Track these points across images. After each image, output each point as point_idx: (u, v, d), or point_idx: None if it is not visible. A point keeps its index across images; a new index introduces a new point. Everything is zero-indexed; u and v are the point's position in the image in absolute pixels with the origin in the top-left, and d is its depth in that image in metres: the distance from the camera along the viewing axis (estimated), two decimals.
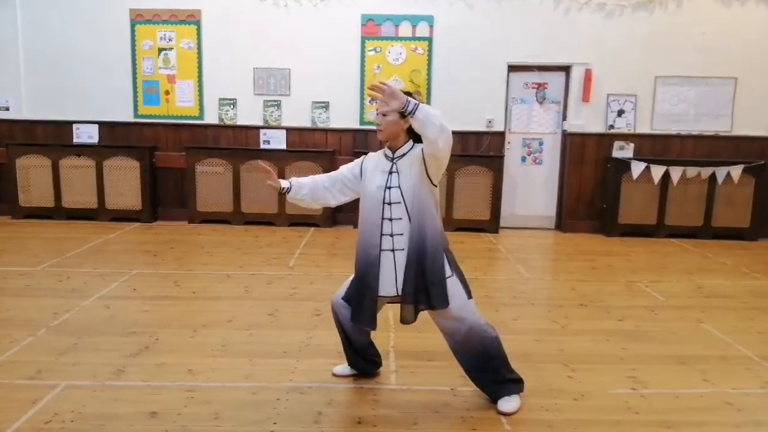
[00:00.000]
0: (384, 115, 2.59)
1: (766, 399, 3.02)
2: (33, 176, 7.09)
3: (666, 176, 6.85)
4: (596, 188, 7.24)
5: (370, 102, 7.09)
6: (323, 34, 7.07)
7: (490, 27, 7.02)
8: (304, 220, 7.11)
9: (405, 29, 7.06)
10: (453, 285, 2.65)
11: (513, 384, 2.84)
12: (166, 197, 7.39)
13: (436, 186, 2.67)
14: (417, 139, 2.67)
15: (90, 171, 7.08)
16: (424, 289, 2.62)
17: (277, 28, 7.08)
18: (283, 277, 4.95)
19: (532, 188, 7.46)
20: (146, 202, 7.14)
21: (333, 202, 2.85)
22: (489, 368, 2.78)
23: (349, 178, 2.79)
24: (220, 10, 7.06)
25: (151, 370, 3.14)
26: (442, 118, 2.42)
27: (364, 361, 3.08)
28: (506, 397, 2.80)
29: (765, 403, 2.98)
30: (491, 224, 7.08)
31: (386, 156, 2.72)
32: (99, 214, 7.13)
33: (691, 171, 6.83)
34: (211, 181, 7.11)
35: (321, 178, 2.83)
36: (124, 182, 7.11)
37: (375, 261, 2.65)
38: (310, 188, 2.79)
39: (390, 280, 2.65)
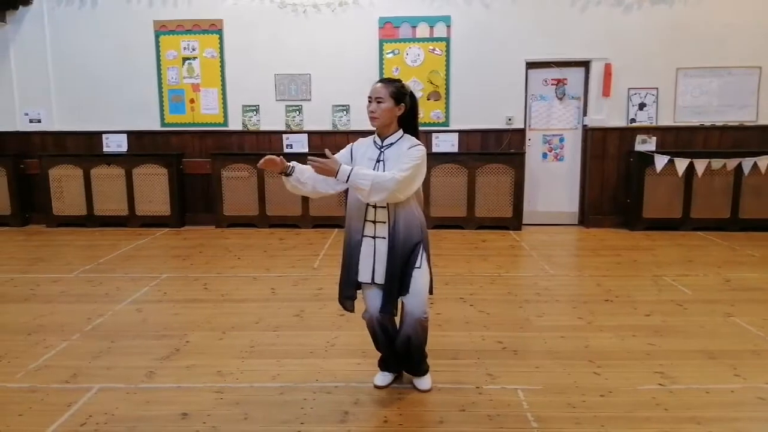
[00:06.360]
0: (379, 102, 2.62)
1: None
2: (65, 186, 7.31)
3: (690, 169, 6.74)
4: (619, 183, 7.17)
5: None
6: (342, 38, 7.13)
7: (507, 25, 7.01)
8: (327, 222, 7.18)
9: (422, 30, 7.08)
10: (418, 276, 2.70)
11: (426, 362, 3.00)
12: (194, 202, 7.54)
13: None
14: (406, 128, 2.71)
15: (120, 179, 7.26)
16: (397, 277, 2.68)
17: (297, 34, 7.17)
18: (308, 279, 5.01)
19: (554, 184, 7.41)
20: (175, 207, 7.30)
21: (331, 191, 2.73)
22: (422, 348, 2.91)
23: None
24: (241, 19, 7.18)
25: (181, 372, 3.20)
26: (377, 179, 2.46)
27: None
28: (423, 377, 2.98)
29: None
30: (514, 221, 7.06)
31: (375, 143, 2.74)
32: (129, 220, 7.31)
33: (716, 162, 6.71)
34: (237, 186, 7.23)
35: None
36: (153, 189, 7.28)
37: (357, 246, 2.74)
38: (311, 176, 2.66)
39: (367, 266, 2.73)
